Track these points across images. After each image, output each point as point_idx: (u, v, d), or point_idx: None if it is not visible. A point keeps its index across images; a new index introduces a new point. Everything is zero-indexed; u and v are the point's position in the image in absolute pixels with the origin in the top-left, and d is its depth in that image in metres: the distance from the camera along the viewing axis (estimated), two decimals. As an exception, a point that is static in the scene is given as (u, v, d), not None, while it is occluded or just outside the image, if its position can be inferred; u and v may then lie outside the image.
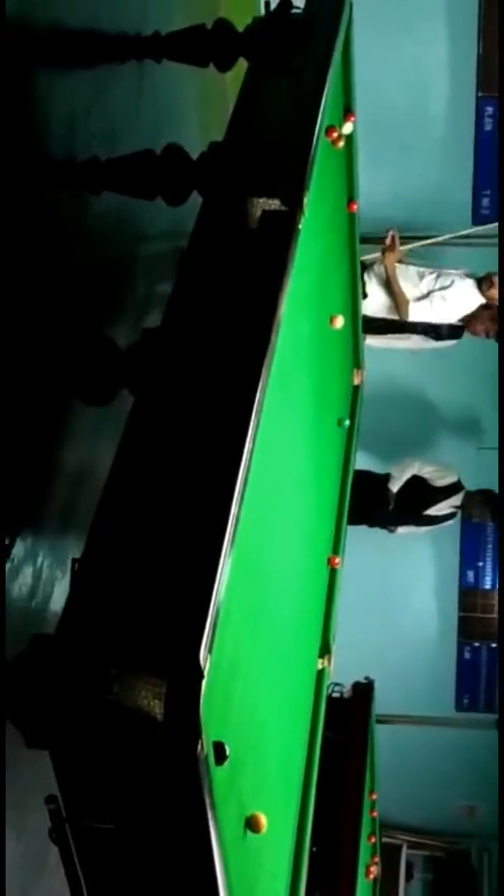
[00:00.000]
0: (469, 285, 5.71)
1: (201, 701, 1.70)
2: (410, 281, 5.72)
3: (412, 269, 5.78)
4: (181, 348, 2.35)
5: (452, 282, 5.69)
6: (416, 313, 5.70)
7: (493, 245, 6.17)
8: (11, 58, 2.69)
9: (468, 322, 5.80)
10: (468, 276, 5.75)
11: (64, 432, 3.09)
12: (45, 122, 2.95)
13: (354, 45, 3.40)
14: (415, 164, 6.46)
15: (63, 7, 3.07)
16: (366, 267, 5.45)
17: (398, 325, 5.78)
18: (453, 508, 6.37)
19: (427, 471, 6.31)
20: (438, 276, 5.73)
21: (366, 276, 5.52)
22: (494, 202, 6.52)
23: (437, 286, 5.69)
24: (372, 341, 5.50)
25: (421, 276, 5.76)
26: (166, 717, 1.70)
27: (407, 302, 5.66)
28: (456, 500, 6.33)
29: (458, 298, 5.69)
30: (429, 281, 5.73)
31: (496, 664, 7.65)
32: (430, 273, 5.77)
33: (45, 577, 2.99)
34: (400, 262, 5.70)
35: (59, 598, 2.99)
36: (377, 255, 5.63)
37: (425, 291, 5.71)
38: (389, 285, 5.64)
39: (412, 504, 6.33)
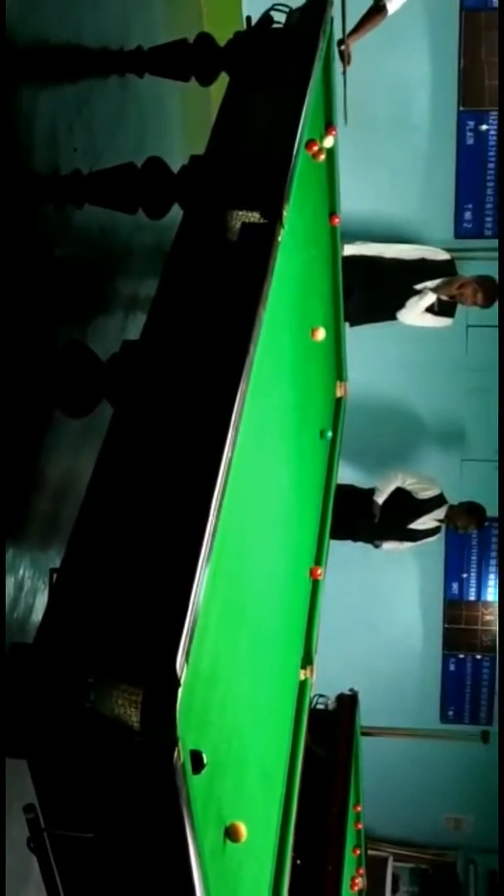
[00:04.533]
0: None
1: (177, 709, 1.71)
2: None
3: None
4: (161, 360, 2.37)
5: None
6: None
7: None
8: (-7, 72, 2.71)
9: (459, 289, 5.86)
10: None
11: (44, 443, 3.09)
12: (28, 136, 2.97)
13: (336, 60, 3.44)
14: (397, 178, 6.49)
15: (46, 22, 3.09)
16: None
17: None
18: (437, 522, 6.38)
19: (410, 482, 6.31)
20: None
21: None
22: (476, 216, 6.56)
23: None
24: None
25: None
26: (142, 725, 1.71)
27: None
28: (439, 513, 6.34)
29: None
30: None
31: (481, 676, 7.66)
32: None
33: (27, 588, 2.99)
34: None
35: (40, 608, 2.99)
36: None
37: None
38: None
39: (396, 517, 6.34)
